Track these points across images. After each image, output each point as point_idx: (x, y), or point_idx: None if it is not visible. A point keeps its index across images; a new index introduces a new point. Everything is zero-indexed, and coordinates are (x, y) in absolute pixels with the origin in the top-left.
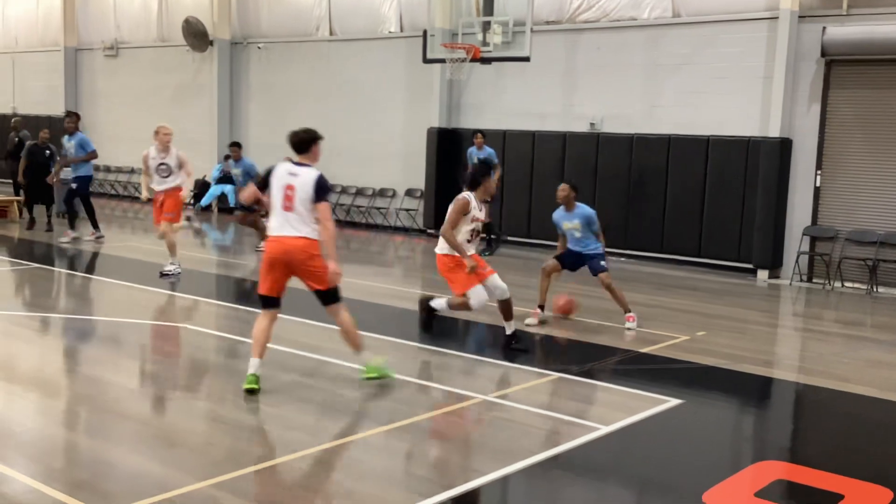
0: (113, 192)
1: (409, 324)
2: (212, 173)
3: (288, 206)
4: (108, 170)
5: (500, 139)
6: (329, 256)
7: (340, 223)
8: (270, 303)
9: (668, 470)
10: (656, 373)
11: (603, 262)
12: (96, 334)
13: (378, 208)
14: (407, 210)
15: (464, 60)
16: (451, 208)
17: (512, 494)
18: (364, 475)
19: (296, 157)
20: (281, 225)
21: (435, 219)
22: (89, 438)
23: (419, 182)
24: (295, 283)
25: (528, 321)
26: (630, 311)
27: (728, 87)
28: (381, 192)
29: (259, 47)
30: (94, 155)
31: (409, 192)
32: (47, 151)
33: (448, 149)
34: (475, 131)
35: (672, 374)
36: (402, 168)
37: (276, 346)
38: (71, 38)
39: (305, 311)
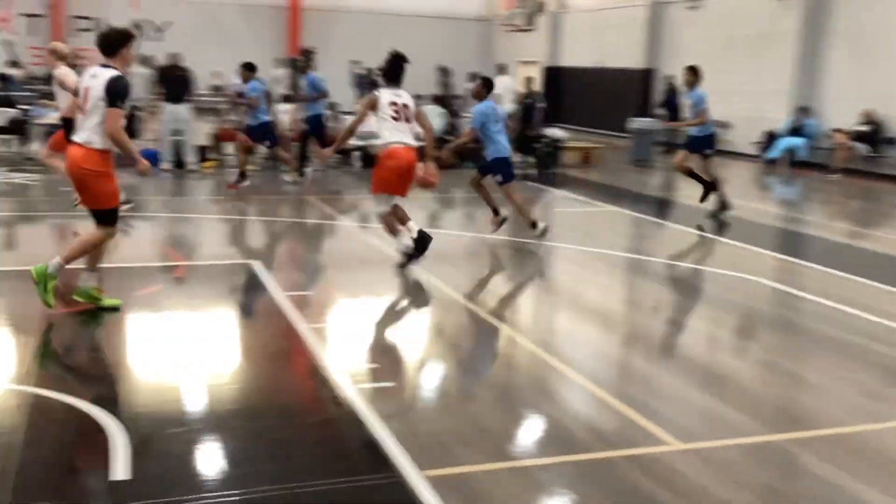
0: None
1: None
2: (783, 125)
3: (81, 108)
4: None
5: None
6: (138, 162)
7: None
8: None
9: None
10: None
11: None
12: (661, 275)
13: None
14: None
15: None
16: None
17: None
18: None
19: (103, 60)
20: (75, 128)
21: None
22: (663, 373)
23: None
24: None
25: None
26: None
27: None
28: None
29: None
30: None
31: None
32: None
33: None
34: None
35: None
36: None
37: (833, 304)
38: None
39: (872, 273)
